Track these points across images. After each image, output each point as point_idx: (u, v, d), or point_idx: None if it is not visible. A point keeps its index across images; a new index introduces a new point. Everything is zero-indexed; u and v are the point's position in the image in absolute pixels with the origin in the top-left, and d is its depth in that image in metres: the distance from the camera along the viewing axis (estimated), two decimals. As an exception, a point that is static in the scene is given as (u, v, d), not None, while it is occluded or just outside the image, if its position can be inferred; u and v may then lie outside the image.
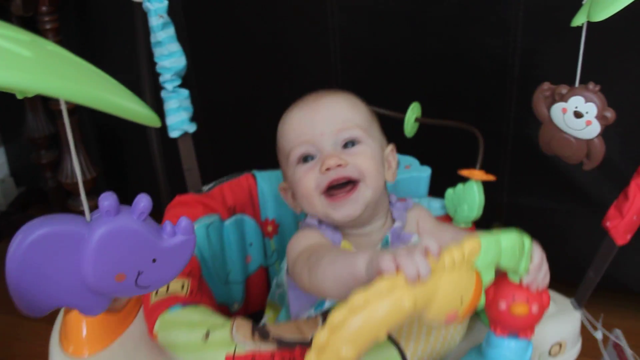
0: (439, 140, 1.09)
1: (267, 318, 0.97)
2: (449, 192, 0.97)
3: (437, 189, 1.02)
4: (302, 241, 0.82)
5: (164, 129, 1.01)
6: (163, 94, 0.97)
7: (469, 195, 0.93)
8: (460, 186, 0.95)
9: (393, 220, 0.88)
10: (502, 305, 0.66)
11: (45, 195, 1.75)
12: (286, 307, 0.90)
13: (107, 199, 0.51)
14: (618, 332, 0.84)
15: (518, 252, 0.58)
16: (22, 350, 1.37)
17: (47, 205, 1.77)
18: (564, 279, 0.90)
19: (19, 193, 1.89)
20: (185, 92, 0.99)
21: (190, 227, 0.55)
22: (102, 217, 0.51)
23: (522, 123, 1.26)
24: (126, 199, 0.55)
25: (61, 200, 1.67)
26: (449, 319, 0.53)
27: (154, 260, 0.54)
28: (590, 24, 0.74)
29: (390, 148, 0.89)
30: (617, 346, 0.84)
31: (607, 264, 0.80)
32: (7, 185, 1.88)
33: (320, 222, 0.85)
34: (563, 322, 0.80)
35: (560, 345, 0.79)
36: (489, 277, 0.56)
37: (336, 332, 0.50)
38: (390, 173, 0.88)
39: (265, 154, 1.01)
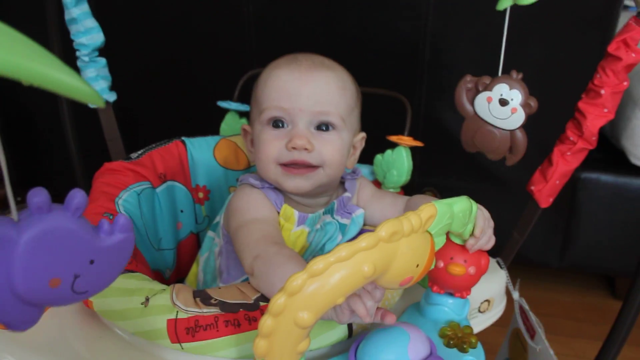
0: (364, 108, 1.09)
1: (187, 278, 0.94)
2: (378, 158, 0.96)
3: (362, 156, 1.01)
4: (244, 208, 0.78)
5: (75, 104, 0.95)
6: (79, 63, 0.92)
7: (398, 161, 0.92)
8: (389, 152, 0.94)
9: (344, 190, 0.85)
10: (440, 264, 0.66)
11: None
12: (211, 260, 0.87)
13: (38, 195, 0.44)
14: (522, 299, 0.87)
15: (466, 217, 0.57)
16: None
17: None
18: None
19: None
20: (102, 61, 0.94)
21: (129, 225, 0.49)
22: (33, 216, 0.44)
23: (432, 106, 1.28)
24: (40, 184, 0.48)
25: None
26: (403, 283, 0.52)
27: (91, 262, 0.48)
28: (494, 12, 0.72)
29: (361, 136, 0.85)
30: (523, 312, 0.86)
31: (531, 225, 0.82)
32: None
33: (264, 181, 0.81)
34: (491, 280, 0.82)
35: (489, 302, 0.81)
36: (441, 242, 0.55)
37: (294, 296, 0.47)
38: (352, 160, 0.85)
39: (182, 129, 0.98)
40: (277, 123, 0.78)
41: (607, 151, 1.38)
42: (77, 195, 0.45)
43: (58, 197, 0.45)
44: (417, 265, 0.51)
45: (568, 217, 1.37)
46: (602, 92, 0.73)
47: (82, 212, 0.46)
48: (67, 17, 0.88)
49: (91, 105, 0.94)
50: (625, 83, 0.72)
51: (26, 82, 0.36)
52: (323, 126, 0.78)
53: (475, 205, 0.59)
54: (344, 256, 0.47)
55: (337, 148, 0.78)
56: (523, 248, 1.38)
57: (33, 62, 0.36)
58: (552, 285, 1.54)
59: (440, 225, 0.52)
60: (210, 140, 1.00)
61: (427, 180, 1.33)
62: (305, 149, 0.76)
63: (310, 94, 0.77)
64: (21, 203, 0.45)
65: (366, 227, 0.82)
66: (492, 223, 0.66)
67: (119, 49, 1.34)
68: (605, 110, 0.74)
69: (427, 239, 0.52)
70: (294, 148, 0.76)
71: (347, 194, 0.84)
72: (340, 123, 0.78)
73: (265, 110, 0.78)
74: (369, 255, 0.47)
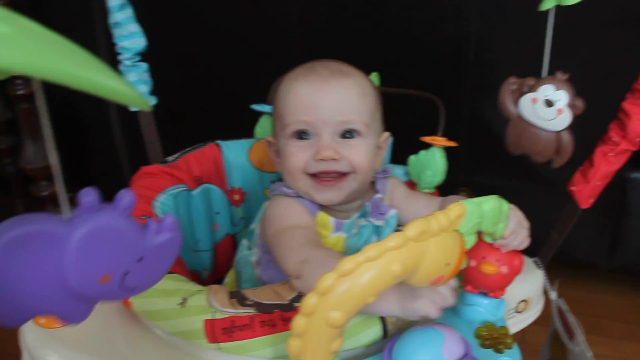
0: (399, 109, 1.09)
1: (226, 282, 0.95)
2: (412, 158, 0.96)
3: (397, 157, 1.01)
4: (282, 216, 0.79)
5: (122, 108, 0.98)
6: (122, 67, 0.94)
7: (432, 161, 0.92)
8: (422, 153, 0.94)
9: (375, 191, 0.85)
10: (472, 263, 0.66)
11: (5, 181, 1.73)
12: (248, 268, 0.88)
13: (88, 195, 0.45)
14: (561, 300, 0.86)
15: (497, 216, 0.57)
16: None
17: (8, 190, 1.74)
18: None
19: (-22, 179, 1.82)
20: (144, 66, 0.96)
21: (175, 225, 0.50)
22: (83, 215, 0.46)
23: (477, 106, 1.27)
24: (88, 183, 0.50)
25: (21, 186, 1.68)
26: (433, 282, 0.52)
27: (139, 259, 0.49)
28: (539, 12, 0.72)
29: (385, 136, 0.85)
30: (561, 313, 0.85)
31: (570, 226, 0.81)
32: (-34, 172, 1.81)
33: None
34: (528, 280, 0.81)
35: (526, 302, 0.80)
36: (471, 241, 0.55)
37: (325, 296, 0.48)
38: (378, 160, 0.84)
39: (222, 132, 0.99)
40: (301, 135, 0.79)
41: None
42: (126, 196, 0.47)
43: (103, 196, 0.48)
44: (447, 264, 0.51)
45: (617, 217, 1.34)
46: (649, 92, 0.71)
47: (130, 212, 0.48)
48: (111, 21, 0.92)
49: (132, 108, 0.98)
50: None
51: (74, 87, 0.38)
52: (347, 134, 0.78)
53: (506, 205, 0.59)
54: (373, 256, 0.47)
55: (364, 153, 0.79)
56: (570, 249, 1.36)
57: (79, 68, 0.38)
58: (600, 286, 1.51)
59: (469, 225, 0.53)
60: (245, 143, 1.02)
61: (472, 180, 1.33)
62: (333, 159, 0.77)
63: (331, 105, 0.77)
64: (70, 200, 0.47)
65: (400, 228, 0.82)
66: (526, 224, 0.66)
67: (164, 53, 1.38)
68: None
69: (457, 237, 0.52)
70: (322, 159, 0.77)
71: (378, 195, 0.84)
72: (365, 129, 0.79)
73: (288, 125, 0.79)
74: (398, 254, 0.48)
